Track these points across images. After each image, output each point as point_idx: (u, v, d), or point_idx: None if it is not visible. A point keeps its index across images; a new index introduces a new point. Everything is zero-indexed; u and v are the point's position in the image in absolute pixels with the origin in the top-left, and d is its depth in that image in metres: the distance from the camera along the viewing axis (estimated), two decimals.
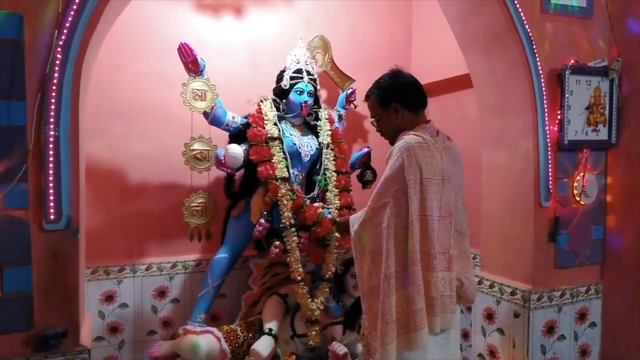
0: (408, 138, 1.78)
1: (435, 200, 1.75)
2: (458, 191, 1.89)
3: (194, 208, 2.60)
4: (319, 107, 2.91)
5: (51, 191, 1.70)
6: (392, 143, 1.88)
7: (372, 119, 1.98)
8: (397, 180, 1.72)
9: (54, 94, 1.70)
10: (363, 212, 1.81)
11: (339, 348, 2.53)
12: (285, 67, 2.80)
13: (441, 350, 1.79)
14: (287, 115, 2.77)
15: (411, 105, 1.88)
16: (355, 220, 1.85)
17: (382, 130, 1.96)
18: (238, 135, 2.68)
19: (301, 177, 2.77)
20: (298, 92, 2.74)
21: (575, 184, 2.49)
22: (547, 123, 2.39)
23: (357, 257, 1.83)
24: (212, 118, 2.56)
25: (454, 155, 1.89)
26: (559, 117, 2.43)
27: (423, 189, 1.73)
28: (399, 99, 1.87)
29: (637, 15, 2.46)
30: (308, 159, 2.75)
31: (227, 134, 2.71)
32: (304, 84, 2.75)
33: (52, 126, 1.69)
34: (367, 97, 1.97)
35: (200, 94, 2.48)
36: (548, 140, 2.39)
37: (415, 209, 1.71)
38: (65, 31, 1.71)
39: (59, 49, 1.70)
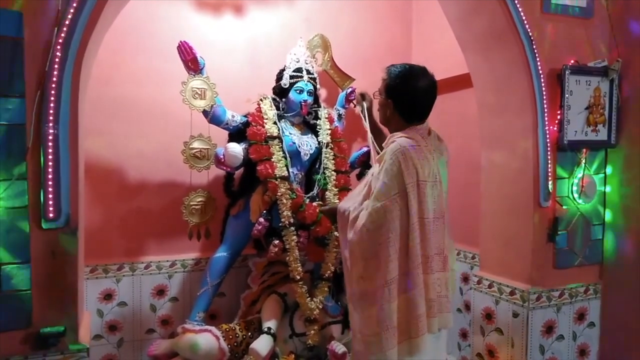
0: (401, 141, 1.76)
1: (430, 203, 1.75)
2: (446, 192, 1.89)
3: (193, 207, 2.60)
4: (319, 106, 2.91)
5: (50, 189, 1.70)
6: (380, 122, 1.97)
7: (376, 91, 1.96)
8: (395, 184, 1.70)
9: (53, 91, 1.69)
10: (357, 216, 1.76)
11: (338, 347, 2.53)
12: (285, 66, 2.79)
13: (433, 348, 1.81)
14: (286, 114, 2.77)
15: (404, 114, 1.85)
16: (346, 220, 1.81)
17: (378, 107, 1.95)
18: (237, 134, 2.68)
19: (300, 176, 2.77)
20: (298, 91, 2.74)
21: (574, 184, 2.49)
22: (546, 123, 2.38)
23: (347, 259, 1.81)
24: (212, 117, 2.56)
25: (444, 156, 1.89)
26: (558, 117, 2.43)
27: (420, 191, 1.72)
28: (395, 101, 1.85)
29: (638, 16, 2.47)
30: (307, 158, 2.75)
31: (226, 132, 2.71)
32: (304, 83, 2.75)
33: (51, 124, 1.69)
34: (384, 70, 1.91)
35: (199, 93, 2.48)
36: (547, 140, 2.39)
37: (415, 212, 1.71)
38: (65, 29, 1.71)
39: (59, 47, 1.70)
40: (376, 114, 2.05)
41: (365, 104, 2.33)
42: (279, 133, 2.67)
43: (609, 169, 2.58)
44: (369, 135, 2.20)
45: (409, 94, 1.83)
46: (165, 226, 2.90)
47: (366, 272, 1.71)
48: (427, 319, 1.73)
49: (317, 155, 2.80)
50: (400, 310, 1.69)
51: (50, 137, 1.70)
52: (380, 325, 1.68)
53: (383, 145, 1.87)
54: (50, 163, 1.70)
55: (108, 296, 2.77)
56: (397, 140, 1.77)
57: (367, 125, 2.24)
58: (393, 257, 1.68)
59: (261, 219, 2.58)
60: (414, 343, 1.69)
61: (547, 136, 2.39)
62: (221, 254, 2.72)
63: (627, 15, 2.50)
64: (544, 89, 2.37)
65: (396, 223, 1.69)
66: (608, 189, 2.58)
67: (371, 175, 1.83)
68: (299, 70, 2.77)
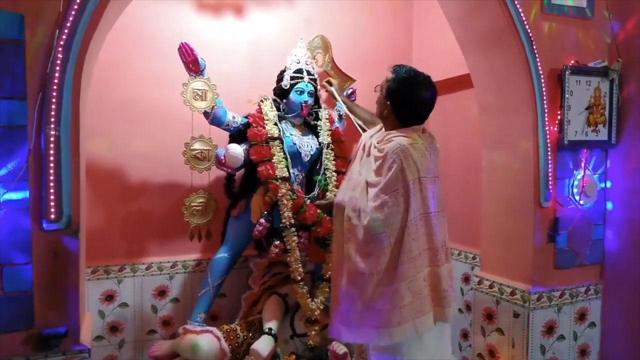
0: (400, 140, 1.80)
1: (431, 197, 1.82)
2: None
3: (194, 208, 2.61)
4: (319, 107, 2.91)
5: (52, 191, 1.71)
6: (376, 115, 2.05)
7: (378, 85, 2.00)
8: (397, 181, 1.75)
9: (54, 93, 1.70)
10: (356, 206, 1.82)
11: (339, 348, 2.53)
12: (285, 67, 2.80)
13: (437, 343, 1.86)
14: (287, 115, 2.77)
15: (401, 118, 1.89)
16: (342, 209, 1.87)
17: (377, 100, 2.00)
18: (238, 135, 2.69)
19: (301, 177, 2.77)
20: (298, 92, 2.74)
21: (575, 185, 2.49)
22: (547, 123, 2.39)
23: (340, 237, 1.87)
24: (213, 118, 2.56)
25: (438, 152, 1.95)
26: (558, 117, 2.43)
27: (422, 187, 1.79)
28: (394, 105, 1.89)
29: (637, 15, 2.47)
30: (308, 158, 2.75)
31: (227, 133, 2.71)
32: (304, 84, 2.75)
33: (52, 126, 1.70)
34: (390, 68, 1.95)
35: (200, 94, 2.48)
36: (548, 140, 2.40)
37: (417, 207, 1.78)
38: (66, 31, 1.71)
39: (60, 49, 1.71)
40: (361, 102, 2.09)
41: (333, 88, 2.75)
42: (279, 134, 2.67)
43: (609, 169, 2.58)
44: (344, 108, 2.61)
45: (408, 102, 1.88)
46: (166, 227, 2.90)
47: (358, 258, 1.77)
48: (442, 309, 1.81)
49: (317, 156, 2.81)
50: (385, 300, 1.75)
51: (52, 139, 1.70)
52: (363, 303, 1.75)
53: (378, 142, 1.91)
54: (51, 164, 1.70)
55: (109, 297, 2.78)
56: (396, 139, 1.81)
57: (343, 106, 2.63)
58: (386, 250, 1.74)
59: (262, 220, 2.58)
60: (396, 331, 1.74)
61: (548, 136, 2.40)
62: (222, 254, 2.72)
63: (627, 15, 2.50)
64: (544, 89, 2.38)
65: (393, 219, 1.74)
66: (608, 188, 2.58)
67: (365, 153, 1.91)
68: (299, 71, 2.77)
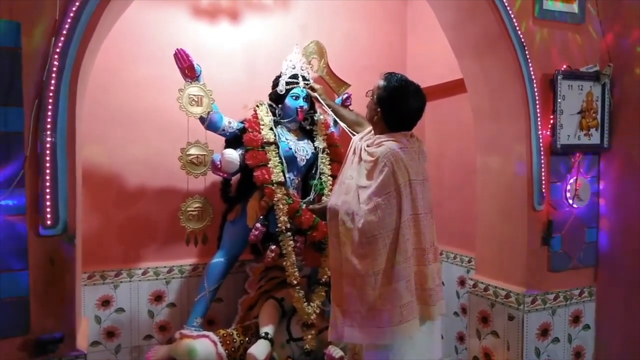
0: (390, 144, 1.86)
1: (420, 199, 1.87)
2: None
3: (191, 212, 2.62)
4: (315, 111, 2.93)
5: (48, 197, 1.71)
6: (366, 119, 2.10)
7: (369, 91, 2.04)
8: (389, 184, 1.80)
9: (51, 100, 1.71)
10: (350, 209, 1.85)
11: (335, 352, 2.54)
12: (281, 73, 2.82)
13: (426, 339, 1.90)
14: (283, 120, 2.79)
15: (389, 124, 1.94)
16: (336, 213, 1.90)
17: (367, 104, 2.04)
18: (234, 140, 2.70)
19: (297, 181, 2.78)
20: (294, 97, 2.76)
21: (568, 188, 2.51)
22: (540, 127, 2.41)
23: (336, 240, 1.90)
24: (209, 123, 2.58)
25: (425, 156, 2.00)
26: (551, 121, 2.46)
27: (412, 190, 1.84)
28: (384, 112, 1.93)
29: (628, 21, 2.50)
30: (304, 163, 2.77)
31: (223, 139, 2.72)
32: (300, 89, 2.77)
33: (49, 132, 1.71)
34: (382, 76, 1.99)
35: (196, 100, 2.50)
36: (541, 144, 2.42)
37: (407, 209, 1.82)
38: (62, 38, 1.73)
39: (56, 56, 1.72)
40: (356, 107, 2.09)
41: (317, 94, 2.75)
42: (275, 139, 2.69)
43: (602, 173, 2.60)
44: (331, 113, 2.69)
45: (398, 111, 1.93)
46: (162, 232, 2.91)
47: (355, 260, 1.81)
48: (427, 307, 1.86)
49: (313, 161, 2.82)
50: (385, 299, 1.78)
51: (48, 145, 1.71)
52: (364, 304, 1.79)
53: (368, 146, 1.95)
54: (48, 171, 1.71)
55: (106, 302, 2.78)
56: (386, 144, 1.87)
57: (329, 110, 2.71)
58: (382, 251, 1.79)
59: (258, 225, 2.59)
60: (398, 330, 1.78)
61: (541, 141, 2.42)
62: (218, 259, 2.73)
63: (618, 20, 2.53)
64: (536, 94, 2.40)
65: (387, 220, 1.79)
66: (602, 192, 2.60)
67: (355, 156, 1.94)
68: (294, 76, 2.79)
